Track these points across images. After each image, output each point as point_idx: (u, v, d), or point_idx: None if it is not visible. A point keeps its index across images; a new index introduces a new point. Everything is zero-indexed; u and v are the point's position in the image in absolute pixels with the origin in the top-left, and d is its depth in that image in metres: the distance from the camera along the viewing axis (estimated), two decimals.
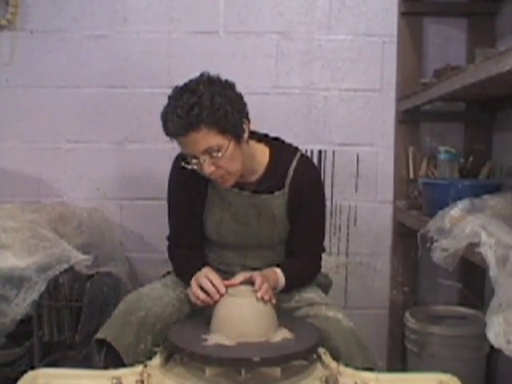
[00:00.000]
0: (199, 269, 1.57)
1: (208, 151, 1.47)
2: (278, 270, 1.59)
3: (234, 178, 1.56)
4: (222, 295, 1.46)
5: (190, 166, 1.53)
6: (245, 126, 1.53)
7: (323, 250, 1.76)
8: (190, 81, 1.52)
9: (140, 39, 2.33)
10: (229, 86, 1.52)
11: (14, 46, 2.32)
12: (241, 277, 1.49)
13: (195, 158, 1.50)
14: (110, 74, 2.34)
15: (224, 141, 1.48)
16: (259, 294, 1.42)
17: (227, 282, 1.49)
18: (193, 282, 1.52)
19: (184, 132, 1.45)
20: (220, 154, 1.48)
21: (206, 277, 1.50)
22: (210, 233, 1.71)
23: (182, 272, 1.64)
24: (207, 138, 1.46)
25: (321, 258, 1.75)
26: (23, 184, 2.35)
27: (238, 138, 1.51)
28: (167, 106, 1.49)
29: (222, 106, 1.45)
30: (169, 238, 1.75)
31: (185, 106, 1.43)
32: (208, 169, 1.49)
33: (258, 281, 1.45)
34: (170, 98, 1.50)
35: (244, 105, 1.54)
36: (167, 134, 1.50)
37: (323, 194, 1.72)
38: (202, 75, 1.53)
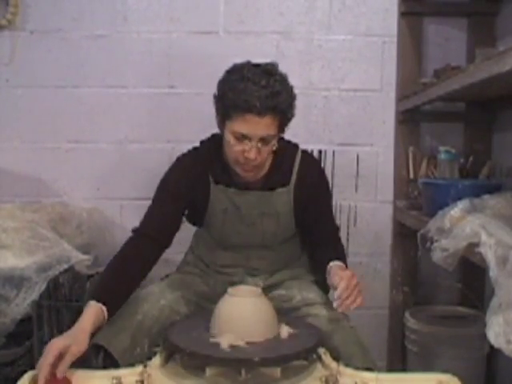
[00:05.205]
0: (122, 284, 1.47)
1: (264, 138, 1.50)
2: (341, 264, 1.61)
3: (258, 171, 1.61)
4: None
5: (237, 148, 1.51)
6: None
7: (338, 225, 1.81)
8: (262, 64, 1.53)
9: (140, 39, 2.33)
10: None
11: (14, 46, 2.32)
12: (343, 293, 1.43)
13: (249, 139, 1.50)
14: (109, 74, 2.34)
15: (276, 133, 1.54)
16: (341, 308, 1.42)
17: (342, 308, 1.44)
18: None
19: (262, 112, 1.46)
20: (270, 144, 1.53)
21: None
22: (214, 234, 1.71)
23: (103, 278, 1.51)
24: (272, 126, 1.50)
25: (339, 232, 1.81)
26: (23, 184, 2.35)
27: (282, 132, 1.59)
28: (241, 79, 1.47)
29: (294, 101, 1.54)
30: (136, 229, 1.61)
31: (273, 90, 1.46)
32: (254, 154, 1.51)
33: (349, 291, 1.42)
34: (241, 72, 1.49)
35: None
36: (230, 107, 1.48)
37: (327, 183, 1.78)
38: (273, 64, 1.55)
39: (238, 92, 1.46)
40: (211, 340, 1.36)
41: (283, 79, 1.53)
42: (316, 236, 1.74)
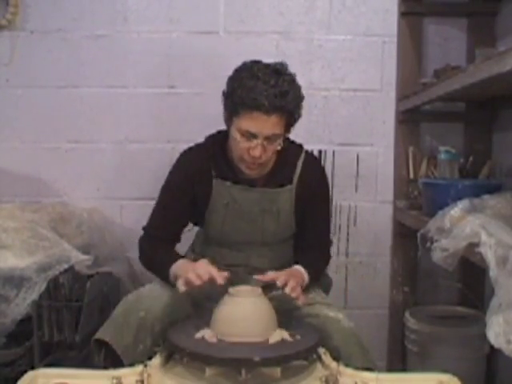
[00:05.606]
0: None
1: (270, 136, 1.52)
2: (301, 268, 1.61)
3: (262, 169, 1.62)
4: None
5: (242, 145, 1.53)
6: None
7: (331, 241, 1.83)
8: (272, 63, 1.55)
9: (140, 39, 2.33)
10: None
11: (14, 46, 2.31)
12: (271, 275, 1.51)
13: (255, 137, 1.52)
14: (109, 74, 2.33)
15: (282, 132, 1.55)
16: (287, 290, 1.45)
17: (259, 277, 1.51)
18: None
19: (270, 111, 1.48)
20: (275, 143, 1.54)
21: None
22: (214, 232, 1.71)
23: (159, 265, 1.62)
24: (278, 125, 1.52)
25: (330, 249, 1.81)
26: (23, 184, 2.35)
27: (288, 132, 1.60)
28: (251, 77, 1.49)
29: (302, 101, 1.56)
30: (146, 228, 1.71)
31: (282, 90, 1.48)
32: (259, 152, 1.52)
33: (281, 277, 1.48)
34: (252, 70, 1.51)
35: None
36: (239, 104, 1.50)
37: (328, 188, 1.79)
38: (282, 64, 1.56)
39: (247, 90, 1.48)
40: (255, 340, 1.36)
41: (292, 79, 1.54)
42: (303, 241, 1.75)
